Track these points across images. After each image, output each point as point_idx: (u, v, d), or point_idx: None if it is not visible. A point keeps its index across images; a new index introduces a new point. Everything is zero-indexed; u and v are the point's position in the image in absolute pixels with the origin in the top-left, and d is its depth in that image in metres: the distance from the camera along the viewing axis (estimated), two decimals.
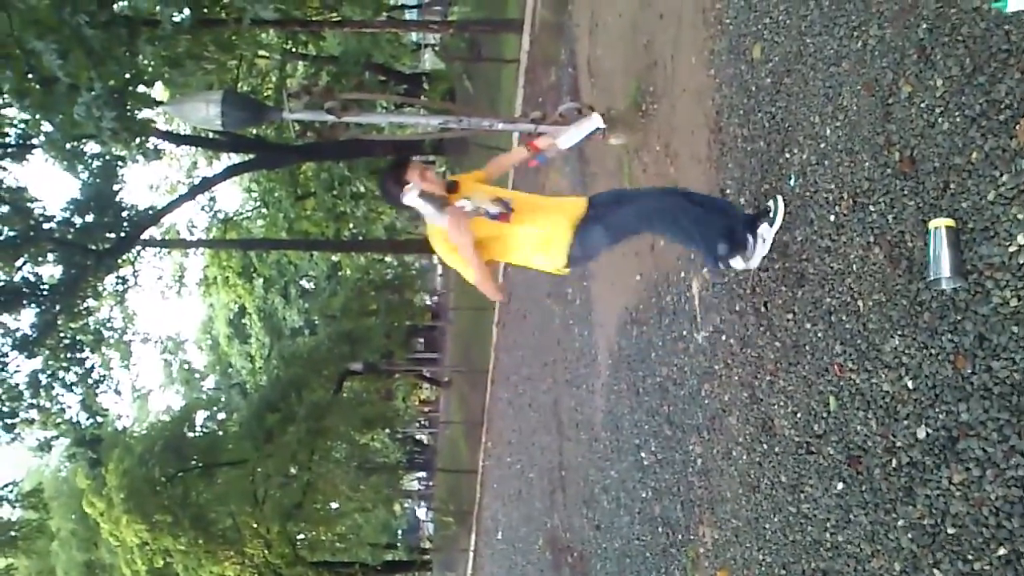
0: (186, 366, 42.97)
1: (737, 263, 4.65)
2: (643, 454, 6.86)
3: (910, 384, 3.40)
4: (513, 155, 5.22)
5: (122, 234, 20.52)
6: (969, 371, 3.08)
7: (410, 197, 4.30)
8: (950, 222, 3.17)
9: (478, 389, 23.03)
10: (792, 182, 4.46)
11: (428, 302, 46.21)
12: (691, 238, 4.68)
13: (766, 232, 4.53)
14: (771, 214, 4.50)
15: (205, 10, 13.09)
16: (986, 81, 3.09)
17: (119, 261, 21.70)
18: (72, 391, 21.81)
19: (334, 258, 36.31)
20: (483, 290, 4.60)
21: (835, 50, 4.13)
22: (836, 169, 4.06)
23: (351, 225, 30.45)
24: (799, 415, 4.24)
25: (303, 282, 38.76)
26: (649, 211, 4.65)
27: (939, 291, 3.26)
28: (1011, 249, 2.93)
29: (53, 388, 21.19)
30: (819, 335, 4.12)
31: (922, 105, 3.44)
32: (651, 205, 4.70)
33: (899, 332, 3.50)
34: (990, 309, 3.01)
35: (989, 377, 2.99)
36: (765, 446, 4.59)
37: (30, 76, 11.36)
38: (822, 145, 4.20)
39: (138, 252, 24.32)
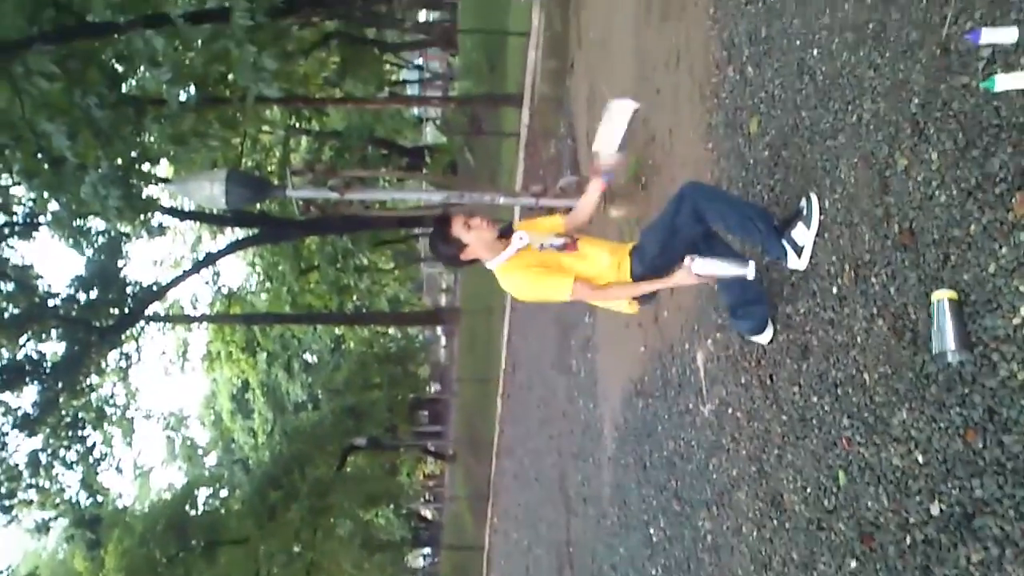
0: (188, 442, 42.71)
1: (800, 235, 4.26)
2: (652, 530, 6.77)
3: (920, 458, 3.36)
4: (587, 199, 4.70)
5: (126, 310, 20.61)
6: (980, 445, 3.04)
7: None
8: (952, 294, 3.16)
9: (483, 463, 22.85)
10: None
11: (432, 384, 46.06)
12: (747, 218, 4.32)
13: (802, 235, 4.27)
14: (805, 213, 4.25)
15: (210, 89, 13.28)
16: (980, 155, 3.11)
17: (122, 337, 21.75)
18: (72, 469, 21.69)
19: (338, 331, 36.35)
20: (619, 299, 4.43)
21: (831, 124, 4.17)
22: (836, 241, 4.07)
23: (355, 298, 30.59)
24: (809, 490, 4.19)
25: (306, 356, 38.75)
26: (690, 192, 4.31)
27: (945, 364, 3.24)
28: (1015, 321, 2.92)
29: (53, 467, 21.07)
30: (826, 408, 4.09)
31: (919, 178, 3.45)
32: (690, 188, 4.38)
33: (906, 405, 3.47)
34: (998, 382, 2.99)
35: (1001, 452, 2.95)
36: (775, 522, 4.53)
37: (39, 156, 11.51)
38: (821, 217, 4.21)
39: (142, 328, 24.38)
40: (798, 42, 4.56)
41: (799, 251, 4.27)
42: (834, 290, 4.07)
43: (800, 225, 4.25)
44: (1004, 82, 2.62)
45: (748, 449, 4.96)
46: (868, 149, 3.82)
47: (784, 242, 4.29)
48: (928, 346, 3.30)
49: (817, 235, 4.21)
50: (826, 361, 4.11)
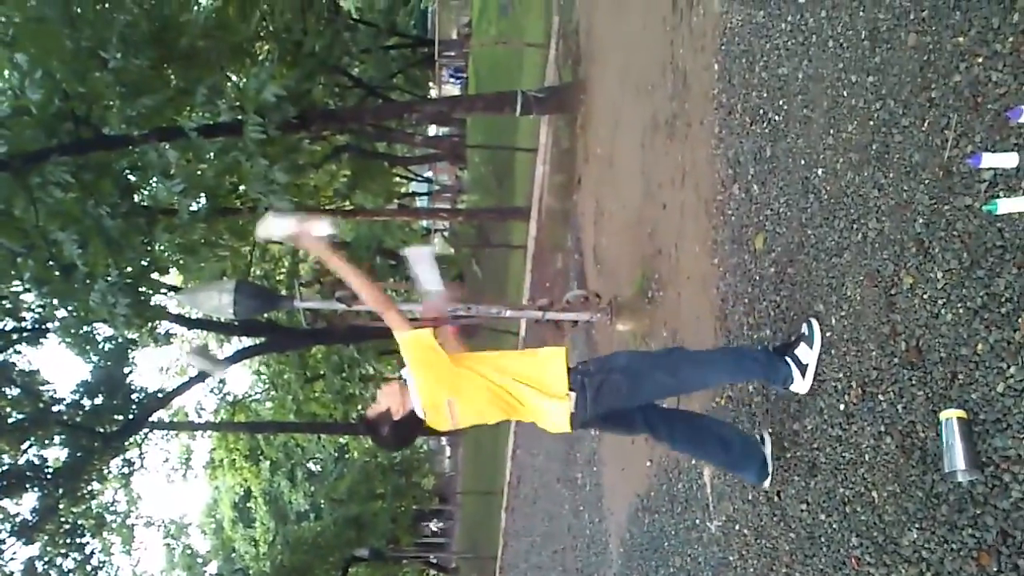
0: (189, 551, 42.02)
1: (804, 353, 4.25)
2: None
3: None
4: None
5: (130, 416, 20.51)
6: (995, 569, 2.99)
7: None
8: (961, 413, 3.15)
9: None
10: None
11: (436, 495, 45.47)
12: (739, 365, 4.38)
13: (806, 354, 4.26)
14: (807, 335, 4.28)
15: (221, 200, 13.49)
16: (985, 275, 3.14)
17: (126, 444, 21.59)
18: None
19: (342, 440, 36.08)
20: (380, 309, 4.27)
21: (836, 241, 4.22)
22: (843, 358, 4.07)
23: (359, 407, 30.40)
24: None
25: (310, 465, 38.41)
26: (677, 350, 4.41)
27: (955, 484, 3.20)
28: None
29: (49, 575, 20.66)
30: (834, 526, 4.03)
31: (925, 296, 3.48)
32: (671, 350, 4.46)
33: (917, 525, 3.43)
34: (1010, 504, 2.95)
35: None
36: None
37: (50, 264, 11.64)
38: (828, 334, 4.22)
39: (145, 435, 24.23)
40: (803, 161, 4.65)
41: (803, 369, 4.27)
42: (841, 407, 4.06)
43: (803, 345, 4.28)
44: (1007, 206, 2.66)
45: (755, 567, 4.87)
46: (874, 267, 3.86)
47: (788, 359, 4.29)
48: (938, 465, 3.28)
49: (822, 353, 4.22)
50: (834, 478, 4.07)
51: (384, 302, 4.27)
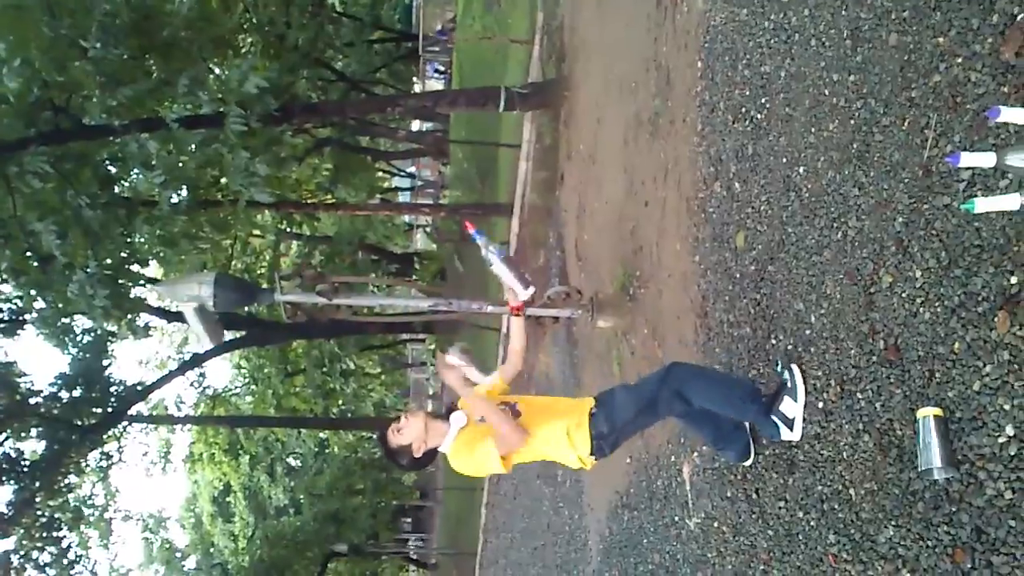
0: (167, 545, 41.84)
1: (789, 408, 4.21)
2: None
3: None
4: (515, 337, 5.02)
5: (109, 409, 20.39)
6: (969, 566, 3.01)
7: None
8: (938, 411, 3.17)
9: (466, 572, 22.39)
10: (779, 368, 4.48)
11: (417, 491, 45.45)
12: (735, 397, 4.37)
13: (790, 408, 4.21)
14: (789, 386, 4.23)
15: (202, 192, 13.41)
16: (962, 274, 3.16)
17: (104, 437, 21.48)
18: (45, 573, 21.12)
19: (322, 435, 36.01)
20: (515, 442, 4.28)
21: (816, 240, 4.23)
22: (822, 356, 4.08)
23: (340, 402, 30.41)
24: None
25: (290, 460, 38.31)
26: (676, 372, 4.37)
27: (931, 481, 3.22)
28: (1000, 440, 2.92)
29: (25, 570, 20.54)
30: (812, 524, 4.04)
31: (903, 295, 3.49)
32: (676, 368, 4.42)
33: (893, 522, 3.44)
34: (985, 501, 2.97)
35: (991, 573, 2.91)
36: None
37: (28, 255, 11.55)
38: (807, 332, 4.24)
39: (124, 428, 24.10)
40: (784, 160, 4.66)
41: (790, 424, 4.21)
42: (820, 405, 4.07)
43: (787, 399, 4.21)
44: (984, 204, 2.67)
45: (734, 564, 4.89)
46: (853, 266, 3.87)
47: (774, 418, 4.25)
48: (914, 463, 3.29)
49: (807, 398, 4.17)
50: (812, 476, 4.08)
51: (517, 431, 4.27)
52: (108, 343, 20.86)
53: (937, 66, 3.41)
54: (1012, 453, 2.87)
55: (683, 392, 4.26)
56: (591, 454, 4.31)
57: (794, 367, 4.23)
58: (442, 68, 37.02)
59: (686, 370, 4.50)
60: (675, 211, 6.58)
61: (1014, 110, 2.60)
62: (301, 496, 33.65)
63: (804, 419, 4.17)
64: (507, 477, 15.22)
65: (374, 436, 4.71)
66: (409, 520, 48.32)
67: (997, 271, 3.00)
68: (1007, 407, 2.91)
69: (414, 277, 26.52)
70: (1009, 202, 2.64)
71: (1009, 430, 2.89)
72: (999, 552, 2.89)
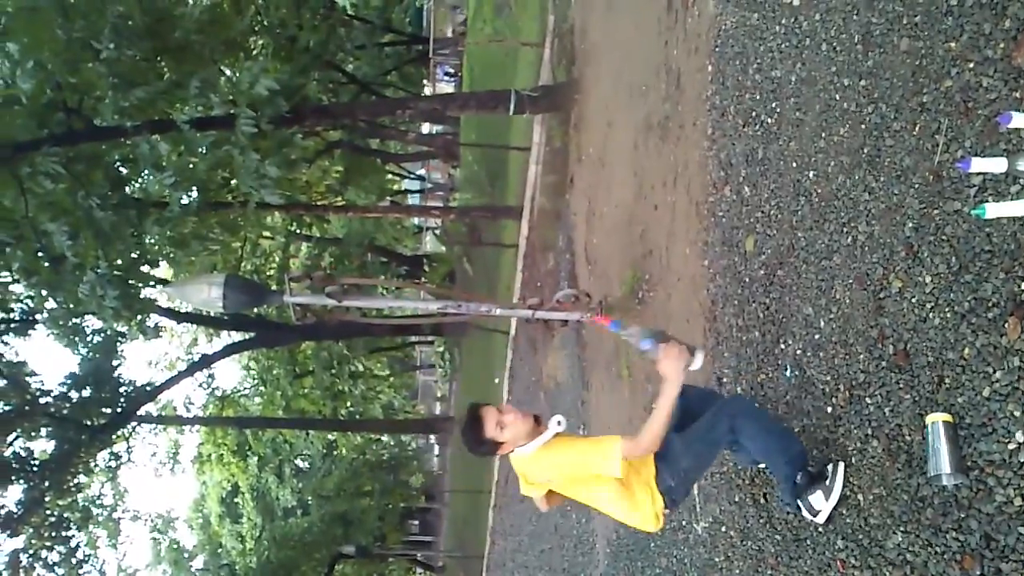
0: (175, 545, 41.91)
1: (818, 501, 3.95)
2: None
3: None
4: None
5: (118, 410, 20.43)
6: (978, 572, 3.00)
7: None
8: (947, 417, 3.16)
9: (473, 575, 22.38)
10: (788, 373, 4.47)
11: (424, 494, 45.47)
12: (776, 451, 4.10)
13: (819, 502, 3.95)
14: (828, 483, 3.92)
15: (212, 194, 13.43)
16: (972, 279, 3.15)
17: (113, 437, 21.51)
18: (54, 572, 21.18)
19: (330, 437, 36.05)
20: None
21: (826, 244, 4.23)
22: (831, 361, 4.08)
23: (348, 404, 30.44)
24: None
25: (298, 461, 38.34)
26: (735, 405, 4.20)
27: (940, 487, 3.22)
28: (1011, 446, 2.91)
29: (34, 569, 20.60)
30: (820, 529, 4.03)
31: (913, 300, 3.49)
32: (736, 402, 4.28)
33: (901, 528, 3.44)
34: (994, 508, 2.96)
35: None
36: None
37: (39, 255, 11.58)
38: (816, 337, 4.23)
39: (133, 428, 24.14)
40: (794, 164, 4.66)
41: (814, 513, 3.98)
42: (828, 410, 4.07)
43: (819, 493, 3.94)
44: (994, 210, 2.67)
45: (741, 568, 4.88)
46: (863, 271, 3.87)
47: (799, 502, 4.04)
48: (923, 469, 3.28)
49: (840, 495, 3.92)
50: None
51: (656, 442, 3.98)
52: (118, 343, 20.91)
53: (949, 71, 3.41)
54: (1022, 460, 2.87)
55: (735, 426, 4.08)
56: (665, 508, 4.15)
57: (840, 465, 3.91)
58: (452, 71, 37.09)
59: (746, 406, 4.29)
60: (685, 215, 6.57)
61: None
62: (309, 497, 33.69)
63: (831, 513, 3.96)
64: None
65: (468, 409, 4.23)
66: (416, 522, 48.34)
67: (1008, 277, 2.99)
68: (1017, 413, 2.90)
69: (423, 279, 26.53)
70: (1020, 208, 2.63)
71: (1019, 436, 2.89)
72: (1008, 559, 2.88)
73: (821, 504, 3.92)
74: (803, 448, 4.09)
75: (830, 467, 3.93)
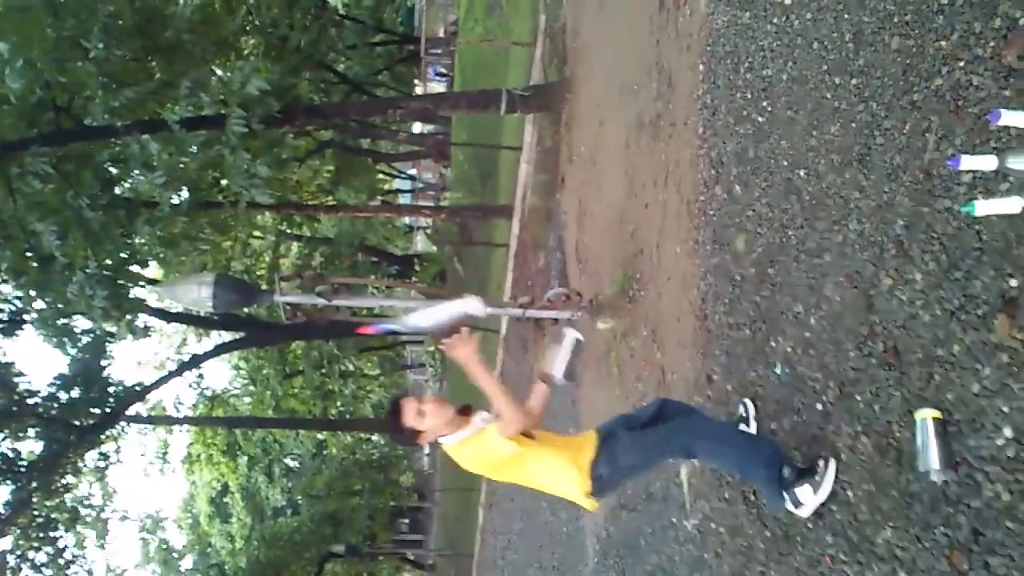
0: (164, 545, 41.78)
1: (805, 494, 3.93)
2: None
3: None
4: (536, 396, 4.54)
5: (107, 410, 20.36)
6: (966, 567, 3.02)
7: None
8: (937, 413, 3.18)
9: (463, 573, 22.39)
10: (778, 371, 4.49)
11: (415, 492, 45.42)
12: (745, 461, 4.15)
13: (807, 496, 3.94)
14: (817, 478, 3.91)
15: (203, 193, 13.39)
16: (962, 277, 3.17)
17: (102, 437, 21.45)
18: (41, 573, 21.11)
19: (320, 436, 36.00)
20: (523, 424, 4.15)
21: (817, 243, 4.25)
22: (822, 358, 4.10)
23: (338, 403, 30.41)
24: None
25: (288, 461, 38.28)
26: (690, 431, 4.25)
27: (929, 483, 3.23)
28: (999, 442, 2.93)
29: (21, 570, 20.53)
30: (809, 525, 4.05)
31: (903, 298, 3.51)
32: (690, 427, 4.31)
33: (891, 524, 3.45)
34: (983, 503, 2.98)
35: (988, 575, 2.92)
36: None
37: (28, 255, 11.53)
38: (807, 335, 4.25)
39: (122, 428, 24.07)
40: (785, 163, 4.67)
41: (797, 505, 3.97)
42: (819, 407, 4.08)
43: (807, 487, 3.92)
44: (984, 207, 2.69)
45: (731, 565, 4.90)
46: (853, 268, 3.89)
47: (784, 494, 4.01)
48: (912, 465, 3.30)
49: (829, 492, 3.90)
50: None
51: (520, 412, 4.15)
52: (107, 344, 20.83)
53: (939, 70, 3.43)
54: (1010, 455, 2.89)
55: (691, 448, 4.22)
56: (591, 494, 4.24)
57: (832, 462, 3.90)
58: (444, 71, 37.04)
59: (707, 430, 4.35)
60: (676, 214, 6.59)
61: (1015, 113, 2.62)
62: (299, 497, 33.64)
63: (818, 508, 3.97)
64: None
65: (391, 401, 4.34)
66: (407, 521, 48.28)
67: (997, 274, 3.01)
68: (1006, 409, 2.92)
69: (414, 279, 26.52)
70: (1010, 205, 2.65)
71: (1008, 432, 2.90)
72: (996, 554, 2.90)
73: (808, 498, 3.92)
74: (776, 448, 4.16)
75: (821, 463, 3.93)
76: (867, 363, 3.72)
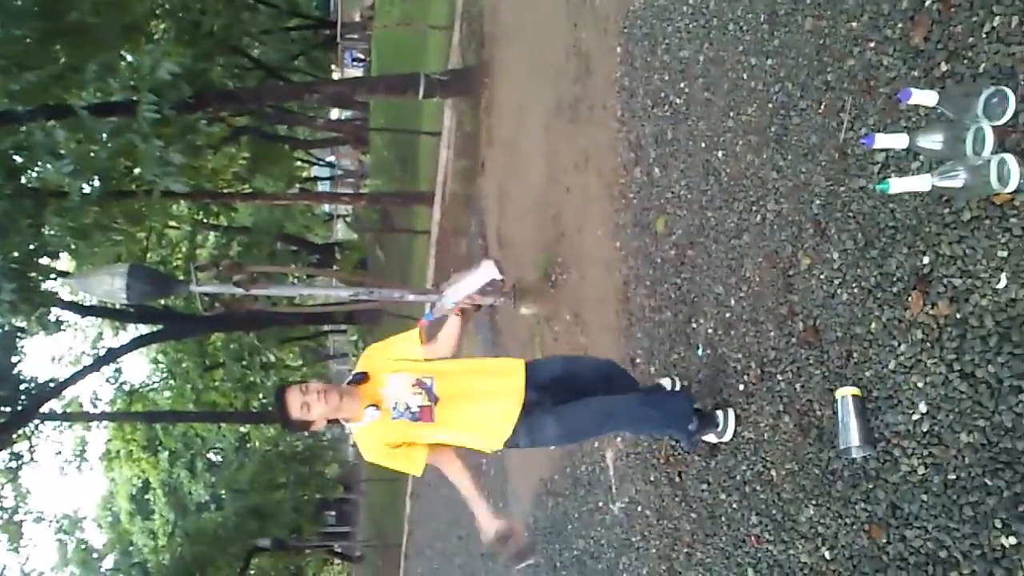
0: (83, 546, 40.77)
1: (711, 439, 4.29)
2: None
3: (827, 555, 3.37)
4: (448, 332, 4.49)
5: (19, 408, 19.75)
6: (884, 541, 3.07)
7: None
8: (856, 391, 3.22)
9: (391, 564, 22.31)
10: (700, 352, 4.51)
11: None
12: (658, 423, 4.32)
13: (711, 439, 4.29)
14: (720, 428, 4.19)
15: (115, 182, 13.03)
16: (878, 255, 3.21)
17: (14, 437, 20.81)
18: None
19: (243, 429, 35.48)
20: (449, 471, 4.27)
21: (735, 224, 4.27)
22: (742, 339, 4.12)
23: (261, 395, 29.95)
24: None
25: (210, 455, 37.67)
26: (608, 411, 4.18)
27: (850, 460, 3.27)
28: (915, 417, 2.97)
29: None
30: (734, 505, 4.08)
31: (821, 277, 3.54)
32: (609, 405, 4.20)
33: (813, 502, 3.49)
34: (899, 477, 3.02)
35: (904, 547, 2.97)
36: None
37: None
38: (728, 315, 4.27)
39: (36, 426, 23.38)
40: (703, 144, 4.69)
41: (703, 441, 4.33)
42: (740, 387, 4.11)
43: (712, 435, 4.25)
44: (898, 185, 2.72)
45: (658, 547, 4.92)
46: (772, 248, 3.91)
47: (691, 440, 4.32)
48: (833, 442, 3.34)
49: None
50: (734, 458, 4.12)
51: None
52: (17, 339, 20.19)
53: (851, 50, 3.46)
54: (925, 429, 2.93)
55: (608, 425, 4.33)
56: (504, 446, 4.20)
57: (731, 412, 4.15)
58: (361, 56, 36.68)
59: (621, 406, 4.22)
60: (596, 197, 6.59)
61: (924, 92, 2.64)
62: (222, 491, 33.15)
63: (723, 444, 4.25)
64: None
65: (275, 390, 4.13)
66: (333, 513, 47.96)
67: (911, 251, 3.05)
68: (920, 385, 2.96)
69: (335, 267, 26.25)
70: (921, 183, 2.68)
71: (922, 407, 2.95)
72: (912, 526, 2.95)
73: (712, 440, 4.26)
74: (689, 402, 4.25)
75: (720, 414, 4.19)
76: (787, 342, 3.75)
